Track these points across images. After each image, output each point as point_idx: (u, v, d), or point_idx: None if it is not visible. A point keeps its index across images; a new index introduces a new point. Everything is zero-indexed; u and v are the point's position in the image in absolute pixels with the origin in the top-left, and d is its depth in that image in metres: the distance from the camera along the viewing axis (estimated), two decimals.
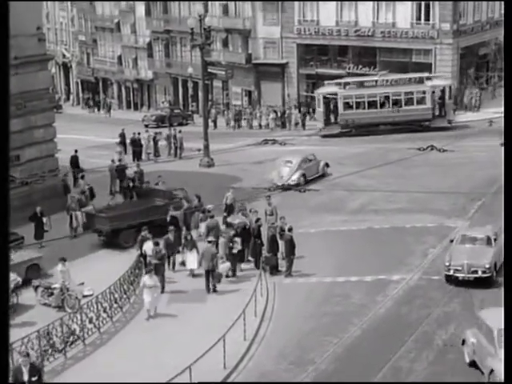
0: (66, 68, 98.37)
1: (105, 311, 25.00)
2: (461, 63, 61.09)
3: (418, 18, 59.87)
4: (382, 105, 54.46)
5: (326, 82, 59.05)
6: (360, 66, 63.41)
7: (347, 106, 54.91)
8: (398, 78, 55.66)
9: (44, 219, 33.45)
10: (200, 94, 65.89)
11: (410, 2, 59.74)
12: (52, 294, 26.55)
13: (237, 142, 55.57)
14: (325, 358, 21.87)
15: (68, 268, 27.29)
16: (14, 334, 20.45)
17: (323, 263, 29.34)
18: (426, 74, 55.94)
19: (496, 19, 64.06)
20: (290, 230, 28.90)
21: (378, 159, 41.62)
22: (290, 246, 28.25)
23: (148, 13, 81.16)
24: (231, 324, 22.34)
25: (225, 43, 71.92)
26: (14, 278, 26.25)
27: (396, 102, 54.12)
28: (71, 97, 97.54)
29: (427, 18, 59.53)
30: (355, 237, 32.35)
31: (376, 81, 55.57)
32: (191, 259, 28.63)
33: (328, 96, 56.00)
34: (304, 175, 41.11)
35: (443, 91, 54.87)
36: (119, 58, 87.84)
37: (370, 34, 61.92)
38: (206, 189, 36.45)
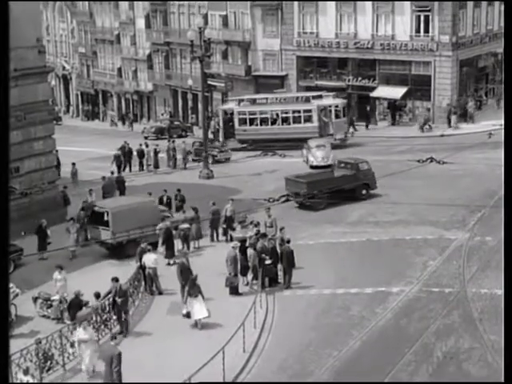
0: (65, 80, 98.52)
1: (103, 323, 24.94)
2: (460, 75, 61.16)
3: (418, 31, 59.98)
4: (273, 122, 56.68)
5: (228, 99, 62.39)
6: (359, 78, 63.57)
7: (242, 122, 57.38)
8: (286, 96, 58.62)
9: (48, 231, 33.47)
10: (200, 105, 66.00)
11: (409, 15, 59.89)
12: (51, 305, 26.50)
13: (236, 154, 55.56)
14: (324, 370, 21.83)
15: (65, 276, 27.31)
16: (13, 346, 20.39)
17: (323, 275, 29.29)
18: (313, 94, 58.22)
19: (495, 31, 64.22)
20: (289, 241, 28.86)
21: (377, 171, 41.53)
22: (289, 257, 28.19)
23: (148, 25, 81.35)
24: (231, 336, 22.29)
25: (224, 55, 72.05)
26: (13, 289, 26.22)
27: (285, 120, 56.38)
28: (71, 109, 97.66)
29: (426, 31, 59.64)
30: (355, 249, 32.32)
31: (267, 98, 58.28)
32: (198, 307, 24.92)
33: (227, 112, 58.42)
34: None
35: (330, 110, 56.04)
36: (119, 69, 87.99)
37: (369, 46, 62.04)
38: (206, 201, 36.42)
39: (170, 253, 31.80)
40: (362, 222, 36.08)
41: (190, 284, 25.28)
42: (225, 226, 34.35)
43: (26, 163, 36.75)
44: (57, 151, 47.91)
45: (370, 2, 61.28)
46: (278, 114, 56.51)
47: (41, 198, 37.21)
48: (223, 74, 71.46)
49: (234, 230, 33.81)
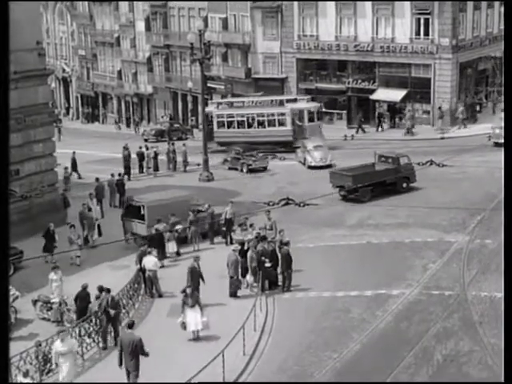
0: (65, 82, 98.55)
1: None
2: (460, 78, 61.15)
3: (417, 33, 59.98)
4: (250, 125, 57.30)
5: (209, 102, 62.90)
6: (359, 81, 63.58)
7: (220, 124, 58.32)
8: (261, 99, 59.02)
9: (56, 236, 33.41)
10: (200, 108, 66.04)
11: (409, 17, 59.90)
12: (51, 308, 26.49)
13: None
14: (325, 372, 21.81)
15: (61, 277, 27.26)
16: (13, 349, 20.37)
17: (322, 278, 29.28)
18: (288, 97, 59.08)
19: (495, 34, 64.22)
20: (287, 244, 28.80)
21: None
22: (287, 260, 28.15)
23: (148, 27, 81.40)
24: (230, 338, 22.27)
25: (224, 58, 72.10)
26: (13, 292, 26.21)
27: (261, 123, 56.94)
28: (71, 111, 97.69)
29: (426, 33, 59.63)
30: (354, 251, 32.30)
31: (243, 102, 59.27)
32: (193, 318, 24.04)
33: (207, 115, 58.34)
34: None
35: (303, 114, 56.31)
36: (119, 72, 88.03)
37: (369, 48, 62.05)
38: (206, 203, 36.39)
39: (161, 255, 31.76)
40: (362, 225, 36.07)
41: (184, 295, 24.30)
42: (224, 228, 34.35)
43: (25, 166, 36.76)
44: (74, 152, 48.88)
45: (370, 5, 61.32)
46: (253, 118, 57.02)
47: (41, 201, 37.21)
48: (223, 76, 71.51)
49: (233, 232, 33.81)
